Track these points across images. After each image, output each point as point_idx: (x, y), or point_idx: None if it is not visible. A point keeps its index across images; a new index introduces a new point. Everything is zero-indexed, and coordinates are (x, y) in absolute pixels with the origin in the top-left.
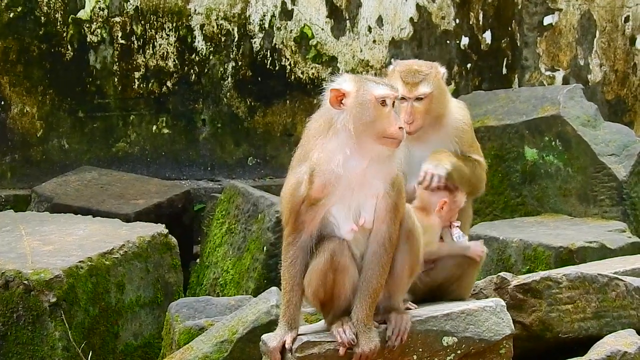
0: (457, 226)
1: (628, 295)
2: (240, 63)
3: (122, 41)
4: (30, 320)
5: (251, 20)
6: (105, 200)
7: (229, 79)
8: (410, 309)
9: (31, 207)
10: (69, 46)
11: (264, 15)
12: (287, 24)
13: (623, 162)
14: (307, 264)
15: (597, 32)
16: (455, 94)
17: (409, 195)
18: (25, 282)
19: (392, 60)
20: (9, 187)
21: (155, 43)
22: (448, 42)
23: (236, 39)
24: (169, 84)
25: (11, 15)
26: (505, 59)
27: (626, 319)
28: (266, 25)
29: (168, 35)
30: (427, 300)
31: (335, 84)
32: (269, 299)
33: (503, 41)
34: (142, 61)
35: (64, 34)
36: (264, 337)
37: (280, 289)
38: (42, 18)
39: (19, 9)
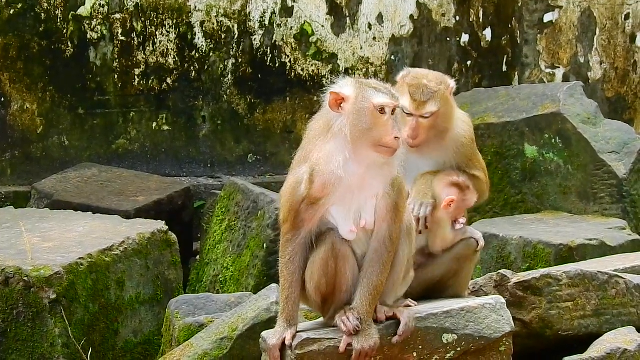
0: (463, 223)
1: (628, 292)
2: (240, 60)
3: (122, 38)
4: (30, 317)
5: (251, 17)
6: (105, 197)
7: (229, 76)
8: (410, 306)
9: (31, 203)
10: (69, 43)
11: (264, 12)
12: (287, 21)
13: (623, 159)
14: (305, 261)
15: (598, 30)
16: (455, 91)
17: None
18: (25, 278)
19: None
20: (9, 184)
21: (156, 40)
22: (448, 39)
23: (236, 36)
24: (169, 80)
25: (11, 12)
26: (506, 57)
27: (626, 317)
28: (266, 22)
29: (168, 32)
30: (425, 298)
31: (336, 87)
32: (268, 296)
33: (503, 38)
34: (142, 58)
35: (64, 31)
36: (264, 334)
37: (279, 286)
38: (43, 15)
39: (19, 5)
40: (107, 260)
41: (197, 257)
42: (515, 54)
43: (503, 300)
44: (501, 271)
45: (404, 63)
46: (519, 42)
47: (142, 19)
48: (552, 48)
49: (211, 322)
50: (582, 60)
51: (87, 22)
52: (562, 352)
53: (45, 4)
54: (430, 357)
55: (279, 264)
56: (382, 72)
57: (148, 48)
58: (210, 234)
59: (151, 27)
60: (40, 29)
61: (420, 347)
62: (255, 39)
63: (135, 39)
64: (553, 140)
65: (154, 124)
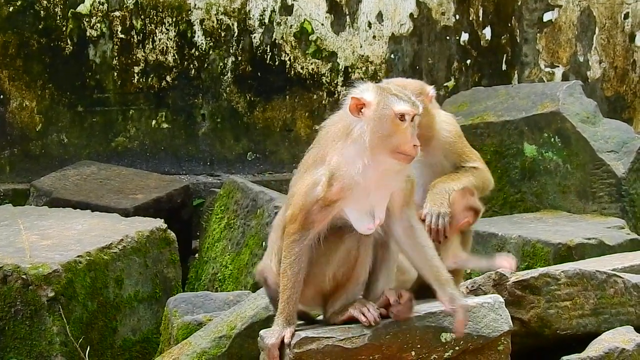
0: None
1: (626, 292)
2: (240, 58)
3: (122, 36)
4: (28, 314)
5: (251, 15)
6: (104, 194)
7: (229, 74)
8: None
9: (30, 201)
10: (68, 40)
11: (264, 10)
12: (287, 19)
13: (622, 158)
14: (309, 262)
15: (597, 29)
16: (455, 90)
17: None
18: (24, 276)
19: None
20: (8, 181)
21: (155, 38)
22: (448, 38)
23: (236, 34)
24: (168, 78)
25: (11, 9)
26: (505, 55)
27: (624, 316)
28: (266, 20)
29: (168, 29)
30: (422, 297)
31: (357, 91)
32: None
33: (503, 37)
34: (142, 56)
35: (64, 28)
36: (262, 332)
37: (279, 287)
38: (42, 12)
39: (19, 2)
40: (106, 258)
41: (196, 255)
42: (515, 52)
43: (501, 299)
44: (500, 270)
45: (404, 62)
46: (518, 41)
47: (142, 16)
48: (551, 47)
49: (210, 320)
50: (581, 59)
51: (87, 19)
52: (560, 351)
53: (45, 2)
54: (428, 356)
55: (282, 263)
56: (382, 71)
57: (147, 46)
58: (209, 232)
59: (151, 25)
60: (40, 27)
61: (419, 345)
62: (255, 37)
63: (135, 36)
64: (552, 139)
65: (154, 122)
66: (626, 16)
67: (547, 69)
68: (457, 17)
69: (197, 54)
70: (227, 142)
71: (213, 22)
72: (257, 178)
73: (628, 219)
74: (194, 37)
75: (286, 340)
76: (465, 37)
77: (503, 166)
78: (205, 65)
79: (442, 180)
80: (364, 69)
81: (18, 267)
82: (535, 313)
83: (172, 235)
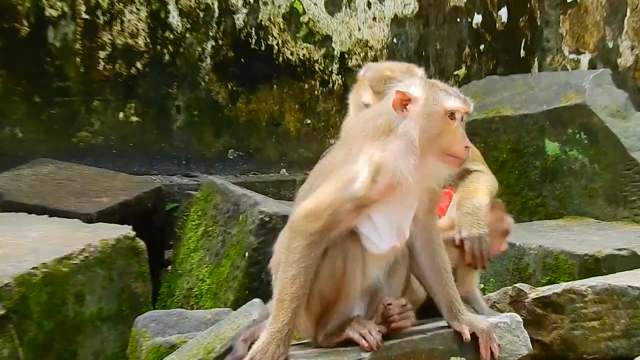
0: None
1: None
2: (220, 42)
3: (86, 16)
4: None
5: None
6: (64, 197)
7: (208, 60)
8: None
9: None
10: (24, 21)
11: None
12: None
13: None
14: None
15: (628, 10)
16: (466, 79)
17: None
18: None
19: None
20: None
21: (124, 18)
22: (458, 20)
23: (216, 14)
24: (138, 65)
25: None
26: (524, 40)
27: None
28: (251, 0)
29: (138, 9)
30: (428, 315)
31: (402, 85)
32: (250, 313)
33: (521, 19)
34: (109, 39)
35: (19, 7)
36: (254, 347)
37: (275, 299)
38: None
39: None
40: (65, 270)
41: (169, 267)
42: (535, 37)
43: (519, 319)
44: (517, 285)
45: (408, 47)
46: (538, 23)
47: None
48: (576, 31)
49: (184, 342)
50: (610, 44)
51: None
52: None
53: None
54: None
55: (264, 275)
56: (383, 57)
57: (115, 28)
58: (184, 241)
59: (119, 4)
60: None
61: None
62: (238, 18)
63: (101, 17)
64: (577, 135)
65: (121, 115)
66: None
67: (572, 56)
68: None
69: (171, 37)
70: (206, 138)
71: (190, 1)
72: (240, 179)
73: None
74: (169, 17)
75: None
76: (478, 19)
77: (521, 166)
78: (181, 50)
79: (467, 194)
80: (362, 54)
81: None
82: (558, 334)
83: (142, 244)
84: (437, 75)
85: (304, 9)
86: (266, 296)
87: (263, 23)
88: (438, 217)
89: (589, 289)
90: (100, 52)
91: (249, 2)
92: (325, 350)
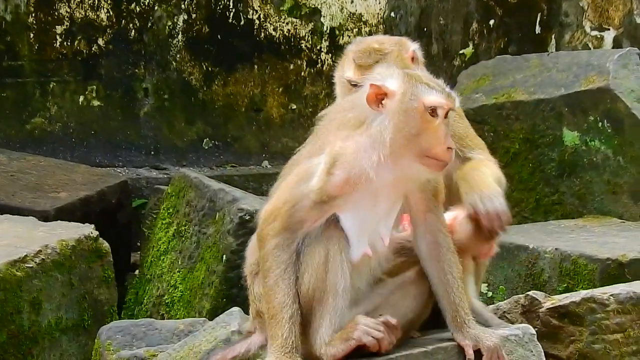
0: None
1: None
2: (194, 16)
3: None
4: None
5: None
6: (17, 192)
7: (180, 36)
8: (413, 337)
9: None
10: None
11: None
12: None
13: None
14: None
15: None
16: (474, 59)
17: None
18: None
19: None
20: None
21: None
22: None
23: None
24: (100, 42)
25: None
26: (539, 15)
27: None
28: None
29: None
30: (431, 326)
31: (377, 77)
32: (228, 323)
33: None
34: (66, 12)
35: None
36: None
37: (266, 317)
38: None
39: None
40: (19, 274)
41: (136, 271)
42: (552, 11)
43: (533, 331)
44: (531, 293)
45: (407, 22)
46: None
47: None
48: (599, 4)
49: (154, 356)
50: (638, 20)
51: None
52: None
53: None
54: None
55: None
56: (379, 33)
57: None
58: (154, 242)
59: None
60: None
61: None
62: None
63: None
64: (600, 123)
65: (81, 98)
66: None
67: (594, 33)
68: None
69: (138, 10)
70: (177, 125)
71: None
72: (216, 172)
73: None
74: None
75: None
76: None
77: (536, 158)
78: (149, 24)
79: (471, 167)
80: (355, 30)
81: None
82: (576, 348)
83: (106, 245)
84: (441, 54)
85: None
86: (246, 304)
87: None
88: (444, 216)
89: (612, 297)
90: (56, 26)
91: None
92: None
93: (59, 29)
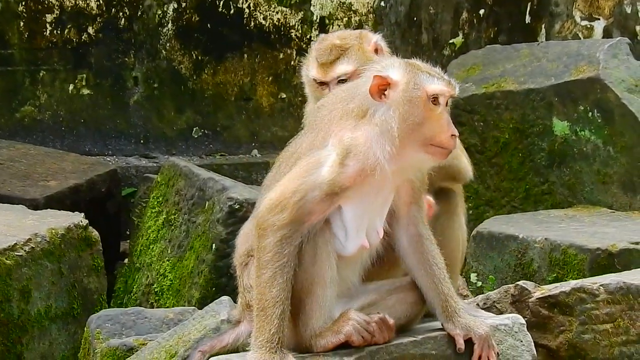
0: None
1: None
2: (184, 5)
3: None
4: None
5: None
6: (6, 181)
7: (169, 25)
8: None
9: None
10: None
11: None
12: None
13: None
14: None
15: None
16: (464, 48)
17: None
18: None
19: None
20: None
21: None
22: None
23: None
24: (90, 30)
25: None
26: (529, 4)
27: None
28: None
29: None
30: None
31: (380, 68)
32: (218, 312)
33: None
34: (56, 0)
35: None
36: None
37: (256, 308)
38: None
39: None
40: (8, 263)
41: (126, 260)
42: (542, 0)
43: (522, 321)
44: (520, 283)
45: (397, 11)
46: None
47: None
48: None
49: (143, 345)
50: (628, 10)
51: None
52: None
53: None
54: None
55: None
56: (369, 23)
57: None
58: (143, 230)
59: None
60: None
61: None
62: None
63: None
64: (590, 113)
65: (71, 87)
66: None
67: (584, 22)
68: None
69: None
70: (167, 114)
71: None
72: (206, 161)
73: None
74: None
75: None
76: None
77: (526, 148)
78: (139, 13)
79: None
80: (345, 20)
81: None
82: (565, 338)
83: (95, 234)
84: (431, 44)
85: None
86: (235, 293)
87: None
88: (425, 208)
89: (601, 287)
90: (46, 15)
91: None
92: (314, 355)
93: (49, 18)
